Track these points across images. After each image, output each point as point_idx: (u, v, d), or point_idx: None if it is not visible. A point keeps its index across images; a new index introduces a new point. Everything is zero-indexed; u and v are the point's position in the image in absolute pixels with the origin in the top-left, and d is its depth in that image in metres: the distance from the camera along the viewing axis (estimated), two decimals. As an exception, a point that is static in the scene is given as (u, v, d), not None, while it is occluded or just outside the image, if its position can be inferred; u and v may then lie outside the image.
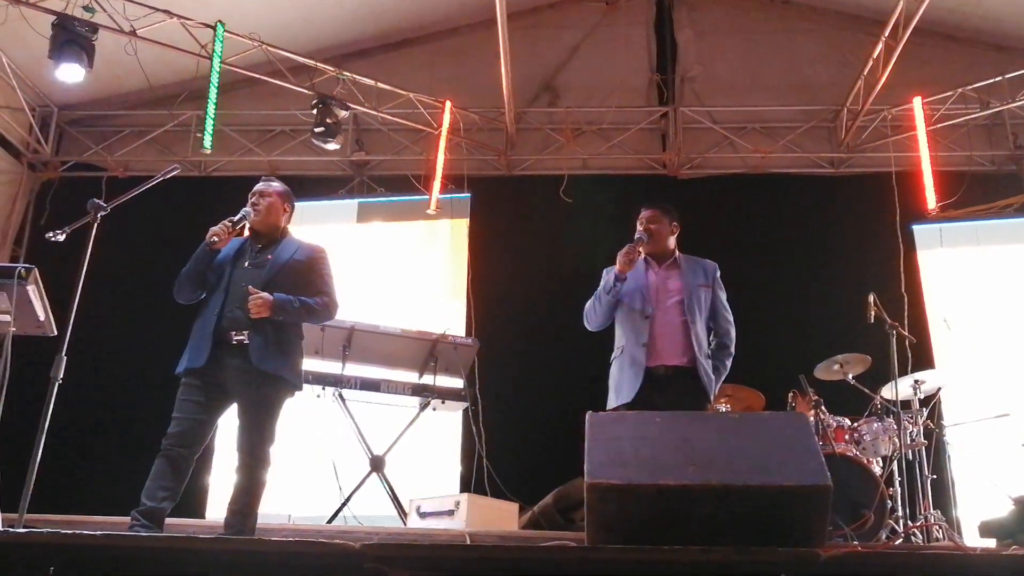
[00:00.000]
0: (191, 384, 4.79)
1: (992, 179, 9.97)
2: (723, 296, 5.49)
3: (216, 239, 4.88)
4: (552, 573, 3.32)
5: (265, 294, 4.80)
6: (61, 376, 4.29)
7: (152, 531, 4.41)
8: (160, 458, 4.64)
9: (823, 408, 7.06)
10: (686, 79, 10.73)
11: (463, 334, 8.85)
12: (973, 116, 9.80)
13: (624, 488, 3.50)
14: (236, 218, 5.02)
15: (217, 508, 7.80)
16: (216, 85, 9.27)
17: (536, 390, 9.18)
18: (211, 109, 9.30)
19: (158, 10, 8.79)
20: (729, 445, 3.68)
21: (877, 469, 6.84)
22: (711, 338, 5.41)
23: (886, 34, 8.99)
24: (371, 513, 7.44)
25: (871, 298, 6.84)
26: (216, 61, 9.19)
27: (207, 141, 9.34)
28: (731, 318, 5.49)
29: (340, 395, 7.36)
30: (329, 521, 7.09)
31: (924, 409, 7.21)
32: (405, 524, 6.95)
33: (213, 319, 4.82)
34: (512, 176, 10.64)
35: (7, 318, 4.48)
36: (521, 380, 9.25)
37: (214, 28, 9.09)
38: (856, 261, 9.31)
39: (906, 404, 7.11)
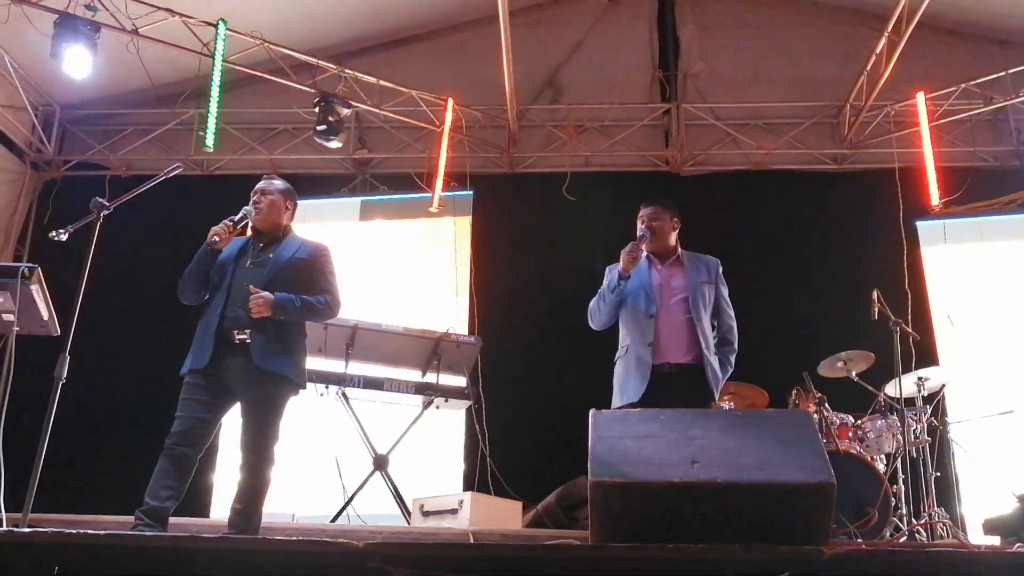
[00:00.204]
0: (194, 383, 4.79)
1: (996, 175, 9.94)
2: (725, 292, 5.48)
3: (217, 239, 4.88)
4: (556, 571, 3.32)
5: (266, 293, 4.80)
6: (65, 375, 4.29)
7: (156, 530, 4.42)
8: (164, 457, 4.65)
9: (826, 405, 7.06)
10: (689, 75, 10.71)
11: (466, 332, 8.84)
12: (976, 111, 9.78)
13: (628, 486, 3.50)
14: (237, 217, 5.02)
15: (221, 507, 7.82)
16: (218, 83, 9.27)
17: (539, 388, 9.18)
18: (213, 107, 9.30)
19: (160, 8, 8.79)
20: (733, 443, 3.68)
21: (881, 467, 6.84)
22: (714, 335, 5.41)
23: (889, 29, 8.97)
24: (375, 512, 7.44)
25: (875, 295, 6.83)
26: (218, 59, 9.19)
27: (210, 139, 9.34)
28: (733, 314, 5.49)
29: (343, 394, 7.36)
30: (333, 520, 7.11)
31: (928, 406, 7.19)
32: (409, 523, 6.96)
33: (216, 319, 4.82)
34: (515, 174, 10.64)
35: (11, 317, 4.48)
36: (524, 378, 9.25)
37: (216, 26, 9.09)
38: (859, 257, 9.30)
39: (910, 401, 7.09)
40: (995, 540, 5.30)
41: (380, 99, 10.18)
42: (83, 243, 4.54)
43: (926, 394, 7.17)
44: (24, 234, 10.43)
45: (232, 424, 4.94)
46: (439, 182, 10.01)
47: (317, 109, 9.62)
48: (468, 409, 8.11)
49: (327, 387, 7.33)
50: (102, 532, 3.62)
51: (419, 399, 7.57)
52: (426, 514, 6.70)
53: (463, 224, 10.33)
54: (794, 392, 7.28)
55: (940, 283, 9.50)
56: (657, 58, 10.86)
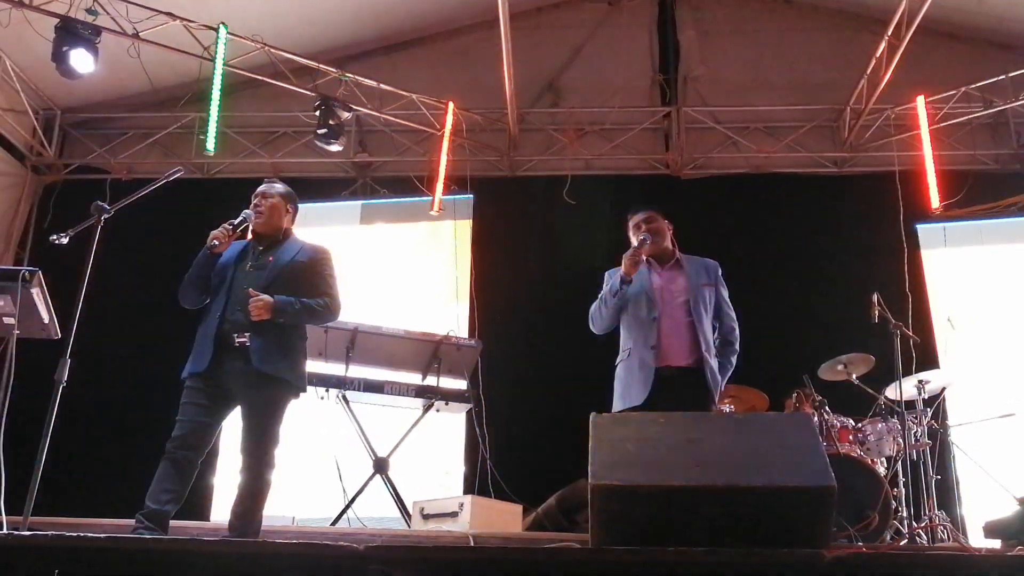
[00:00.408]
0: (195, 387, 4.79)
1: (996, 178, 9.95)
2: (726, 294, 5.50)
3: (217, 243, 4.89)
4: (556, 574, 3.32)
5: (265, 296, 4.80)
6: (65, 379, 4.29)
7: (156, 534, 4.42)
8: (164, 461, 4.65)
9: (827, 408, 7.06)
10: (689, 79, 10.73)
11: (466, 335, 8.86)
12: (976, 115, 9.80)
13: (628, 489, 3.50)
14: (236, 221, 5.02)
15: (221, 510, 7.81)
16: (219, 87, 9.28)
17: (540, 391, 9.18)
18: (214, 111, 9.31)
19: (161, 12, 8.81)
20: (733, 446, 3.68)
21: (881, 470, 6.84)
22: (715, 337, 5.41)
23: (889, 33, 8.99)
24: (375, 515, 7.44)
25: (875, 298, 6.82)
26: (219, 63, 9.20)
27: (210, 143, 9.36)
28: (734, 315, 5.50)
29: (344, 397, 7.35)
30: (333, 523, 7.10)
31: (928, 409, 7.19)
32: (409, 526, 6.95)
33: (215, 322, 4.83)
34: (515, 177, 10.64)
35: (11, 321, 4.48)
36: (524, 381, 9.25)
37: (216, 30, 9.11)
38: (860, 261, 9.30)
39: (910, 404, 7.09)
40: (996, 543, 5.29)
41: (381, 102, 10.19)
42: (84, 247, 4.55)
43: (926, 397, 7.17)
44: (25, 238, 10.44)
45: (233, 427, 4.93)
46: (440, 185, 10.02)
47: (318, 113, 9.63)
48: (468, 412, 8.09)
49: (327, 390, 7.32)
50: (102, 535, 3.63)
51: (419, 402, 7.56)
52: (426, 517, 6.69)
53: (463, 227, 10.33)
54: (795, 395, 7.28)
55: (940, 286, 9.51)
56: (657, 62, 10.87)
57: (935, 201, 9.34)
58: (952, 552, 4.70)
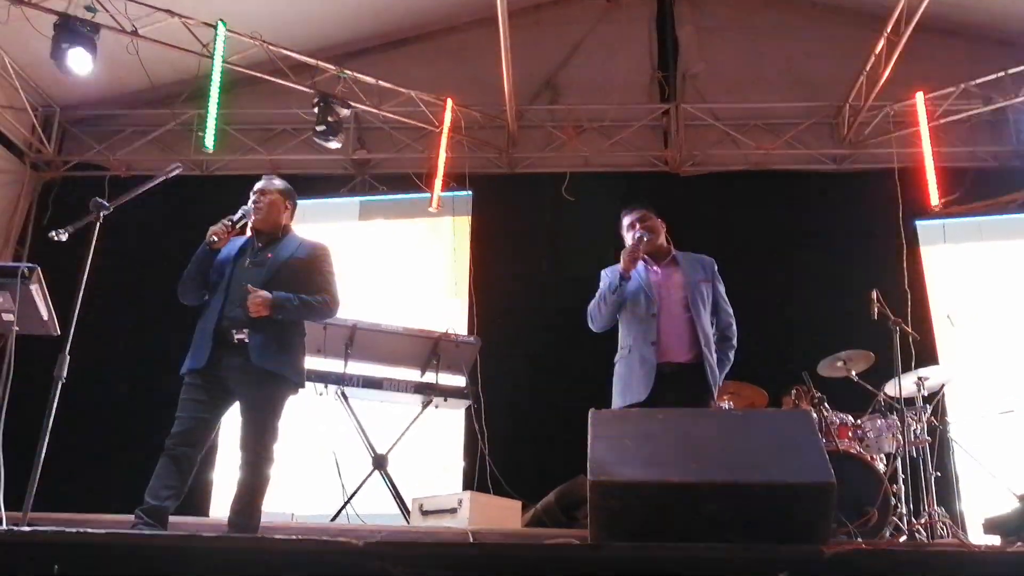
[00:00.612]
0: (193, 383, 4.80)
1: (995, 175, 9.94)
2: (723, 290, 5.52)
3: (216, 239, 4.89)
4: (555, 571, 3.31)
5: (264, 292, 4.80)
6: (64, 375, 4.29)
7: (156, 530, 4.42)
8: (164, 457, 4.65)
9: (826, 405, 7.06)
10: (688, 76, 10.71)
11: (465, 332, 8.85)
12: (976, 112, 9.78)
13: (627, 485, 3.50)
14: (236, 217, 5.02)
15: (221, 507, 7.81)
16: (218, 84, 9.28)
17: (538, 388, 9.18)
18: (213, 108, 9.31)
19: (159, 9, 8.80)
20: (733, 442, 3.69)
21: (881, 466, 6.84)
22: (713, 332, 5.42)
23: (888, 30, 8.98)
24: (374, 511, 7.44)
25: (874, 294, 6.81)
26: (217, 60, 9.20)
27: (209, 140, 9.36)
28: (731, 311, 5.52)
29: (343, 393, 7.36)
30: (332, 519, 7.11)
31: (928, 406, 7.19)
32: (408, 522, 6.96)
33: (214, 319, 4.83)
34: (514, 174, 10.64)
35: (11, 317, 4.48)
36: (523, 378, 9.25)
37: (215, 27, 9.10)
38: (859, 257, 9.29)
39: (910, 401, 7.08)
40: (995, 540, 5.29)
41: (379, 99, 10.19)
42: (83, 243, 4.55)
43: (926, 394, 7.16)
44: (24, 234, 10.43)
45: (232, 423, 4.94)
46: (438, 182, 10.01)
47: (316, 110, 9.62)
48: (467, 409, 8.11)
49: (326, 386, 7.33)
50: (102, 531, 3.61)
51: (418, 399, 7.57)
52: (425, 513, 6.70)
53: (462, 224, 10.33)
54: (794, 392, 7.28)
55: (940, 283, 9.51)
56: (656, 58, 10.86)
57: (935, 198, 9.33)
58: (952, 549, 4.70)
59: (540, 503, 7.48)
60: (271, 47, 9.54)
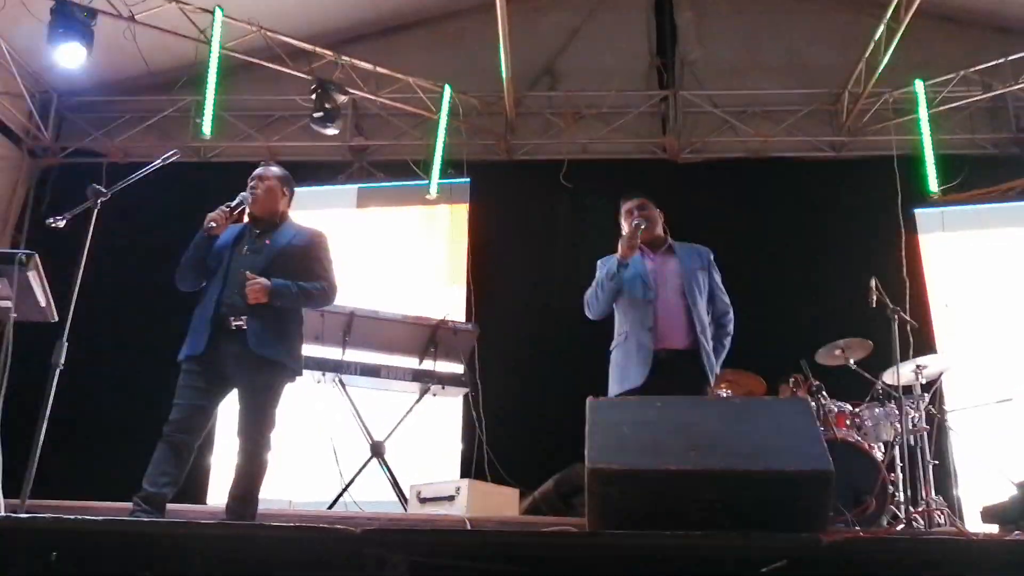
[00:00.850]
0: (191, 370, 4.79)
1: (994, 162, 9.92)
2: (719, 279, 5.58)
3: (214, 224, 4.88)
4: (553, 558, 3.32)
5: (262, 279, 4.79)
6: (62, 362, 4.29)
7: (154, 516, 4.42)
8: (161, 444, 4.65)
9: (824, 393, 7.06)
10: (686, 63, 10.68)
11: (463, 319, 8.85)
12: (975, 99, 9.75)
13: (625, 473, 3.50)
14: (234, 203, 5.01)
15: (218, 494, 7.82)
16: (215, 70, 9.25)
17: (536, 375, 9.17)
18: (210, 94, 9.29)
19: (157, -6, 8.78)
20: (731, 430, 3.69)
21: (879, 454, 6.85)
22: (710, 320, 5.44)
23: (888, 16, 8.95)
24: (372, 499, 7.45)
25: (873, 282, 6.81)
26: (215, 46, 9.17)
27: (206, 127, 9.34)
28: (728, 300, 5.56)
29: (340, 381, 7.36)
30: (330, 507, 7.11)
31: (926, 394, 7.20)
32: (406, 510, 6.96)
33: (212, 305, 4.82)
34: (512, 161, 10.61)
35: (8, 304, 4.47)
36: (521, 365, 9.24)
37: (212, 13, 9.07)
38: (857, 245, 9.28)
39: (908, 389, 7.09)
40: (993, 528, 5.30)
41: (377, 86, 10.16)
42: (80, 230, 4.54)
43: (924, 382, 7.17)
44: (21, 221, 10.40)
45: (229, 410, 4.93)
46: (436, 169, 10.00)
47: (314, 96, 9.59)
48: (465, 396, 8.12)
49: (324, 374, 7.33)
50: (100, 518, 3.62)
51: (416, 386, 7.57)
52: (423, 501, 6.71)
53: (460, 211, 10.32)
54: (791, 380, 7.28)
55: (938, 271, 9.50)
56: (654, 45, 10.82)
57: (933, 185, 9.32)
58: (949, 537, 4.71)
59: (538, 491, 7.49)
60: (268, 33, 9.51)
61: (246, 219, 5.16)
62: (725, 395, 6.97)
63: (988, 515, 5.41)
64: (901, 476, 6.70)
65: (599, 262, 5.52)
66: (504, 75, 9.73)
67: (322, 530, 3.33)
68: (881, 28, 9.10)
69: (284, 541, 3.33)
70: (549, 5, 10.86)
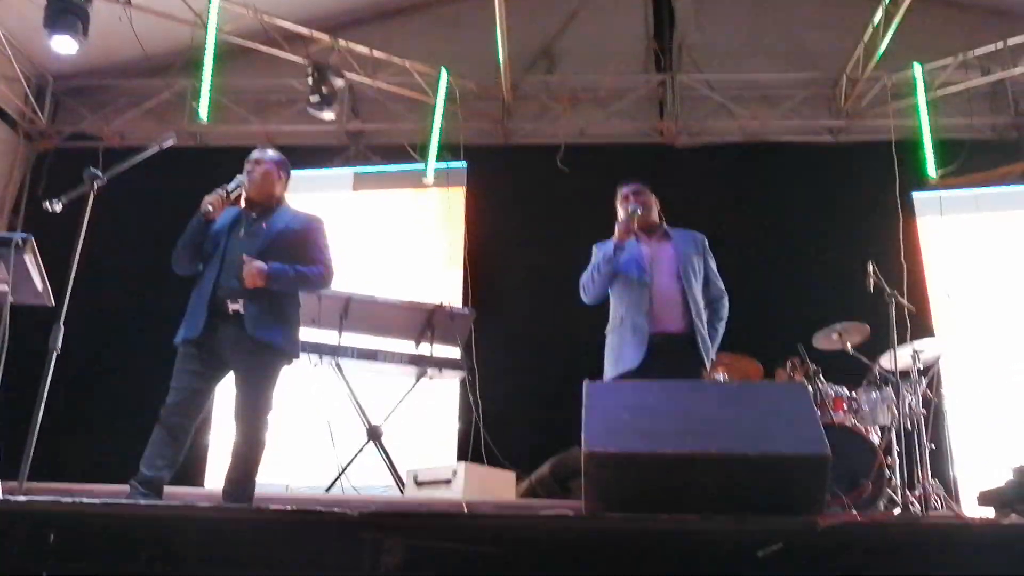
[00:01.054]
0: (188, 354, 4.79)
1: (993, 146, 9.91)
2: (714, 265, 5.63)
3: (211, 208, 4.86)
4: (550, 542, 3.32)
5: (259, 263, 4.79)
6: (59, 346, 4.28)
7: (151, 499, 4.43)
8: (158, 427, 4.66)
9: (821, 377, 7.06)
10: (684, 46, 10.64)
11: (459, 303, 8.85)
12: (974, 83, 9.73)
13: (622, 457, 3.51)
14: (231, 187, 5.00)
15: (215, 477, 7.82)
16: (212, 54, 9.23)
17: (533, 359, 9.17)
18: (206, 79, 9.27)
19: (152, -22, 8.75)
20: (728, 414, 3.69)
21: (875, 438, 6.86)
22: (705, 306, 5.47)
23: (887, 0, 8.92)
24: (369, 482, 7.45)
25: (870, 266, 6.81)
26: (211, 30, 9.14)
27: (203, 111, 9.32)
28: (723, 287, 5.61)
29: (337, 364, 7.36)
30: (327, 490, 7.13)
31: (923, 378, 7.19)
32: (402, 493, 6.97)
33: (209, 289, 4.82)
34: (508, 145, 10.59)
35: (5, 288, 4.48)
36: (518, 349, 9.23)
37: (208, -4, 9.06)
38: (855, 229, 9.25)
39: (905, 373, 7.08)
40: (989, 512, 5.31)
41: (374, 70, 10.13)
42: (77, 214, 4.52)
43: (921, 366, 7.16)
44: (18, 205, 10.39)
45: (227, 394, 4.94)
46: (432, 153, 9.99)
47: (310, 80, 9.56)
48: (462, 380, 8.12)
49: (321, 358, 7.32)
50: (97, 501, 3.62)
51: (413, 370, 7.57)
52: (420, 484, 6.72)
53: (456, 195, 10.30)
54: (788, 364, 7.28)
55: (936, 255, 9.50)
56: (652, 28, 10.78)
57: (932, 170, 9.32)
58: (946, 521, 4.72)
59: (534, 474, 7.51)
60: (265, 17, 9.48)
61: (242, 203, 5.15)
62: (722, 379, 6.98)
63: (984, 499, 5.41)
64: (898, 460, 6.71)
65: (595, 246, 5.55)
66: (501, 59, 9.71)
67: (319, 513, 3.33)
68: (880, 11, 9.08)
69: (281, 524, 3.33)
70: (546, -12, 10.82)
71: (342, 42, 9.90)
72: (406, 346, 7.69)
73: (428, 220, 10.32)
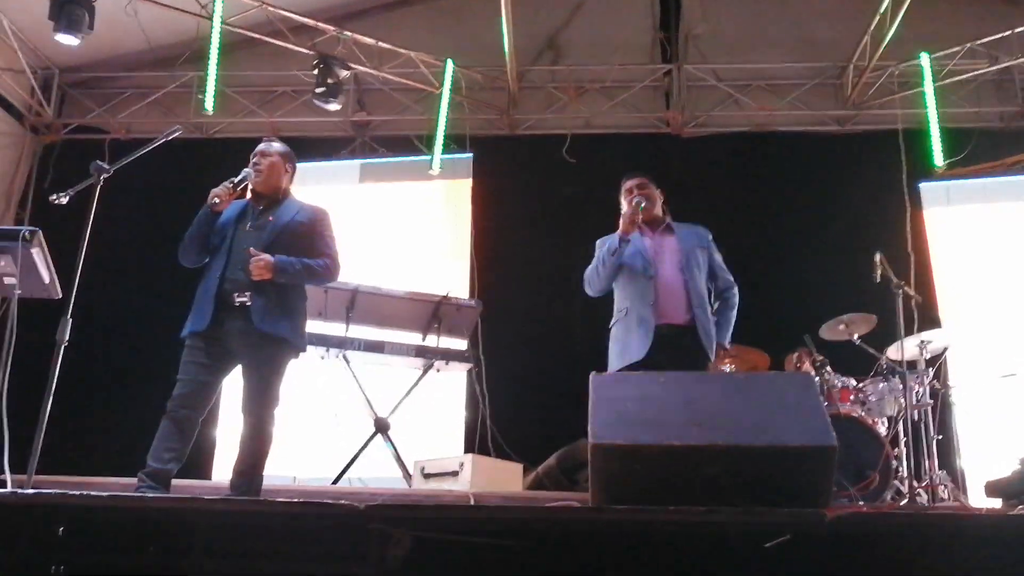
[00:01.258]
0: (195, 346, 4.80)
1: (1001, 135, 9.86)
2: (719, 258, 5.63)
3: (217, 200, 4.87)
4: (557, 533, 3.33)
5: (266, 256, 4.79)
6: (67, 339, 4.29)
7: (158, 492, 4.44)
8: (166, 420, 4.67)
9: (828, 368, 7.06)
10: (690, 36, 10.61)
11: (466, 295, 8.85)
12: (981, 72, 9.68)
13: (628, 448, 3.51)
14: (237, 179, 5.00)
15: (223, 469, 7.83)
16: (217, 46, 9.23)
17: (539, 351, 9.17)
18: (212, 70, 9.28)
19: (158, -30, 8.74)
20: (734, 405, 3.69)
21: (882, 430, 6.85)
22: (712, 298, 5.49)
23: (894, -12, 8.90)
24: (376, 474, 7.46)
25: (877, 257, 6.79)
26: (217, 22, 9.14)
27: (209, 103, 9.33)
28: (731, 277, 5.62)
29: (344, 357, 7.36)
30: (334, 482, 7.14)
31: (930, 369, 7.17)
32: (410, 485, 6.98)
33: (215, 282, 4.82)
34: (515, 136, 10.58)
35: (12, 281, 4.48)
36: (524, 341, 9.24)
37: (214, -12, 9.05)
38: (862, 219, 9.23)
39: (912, 364, 7.07)
40: (996, 503, 5.31)
41: (379, 61, 10.12)
42: (84, 206, 4.53)
43: (928, 357, 7.14)
44: (25, 198, 10.41)
45: (234, 386, 4.94)
46: (438, 144, 9.97)
47: (316, 71, 9.57)
48: (468, 372, 8.11)
49: (328, 350, 7.32)
50: (105, 494, 3.63)
51: (420, 362, 7.56)
52: (427, 476, 6.72)
53: (463, 186, 10.28)
54: (796, 355, 7.28)
55: (943, 245, 9.46)
56: (658, 19, 10.72)
57: (939, 159, 9.28)
58: (953, 512, 4.72)
59: (541, 466, 7.51)
60: (270, 8, 9.47)
61: (249, 195, 5.15)
62: (729, 370, 6.98)
63: (992, 490, 5.42)
64: (905, 451, 6.69)
65: (598, 242, 5.55)
66: (507, 49, 9.69)
67: (326, 506, 3.34)
68: (887, 0, 9.03)
69: (288, 516, 3.34)
70: (552, -22, 10.79)
71: (347, 33, 9.89)
72: (413, 338, 7.68)
73: (434, 211, 10.32)
